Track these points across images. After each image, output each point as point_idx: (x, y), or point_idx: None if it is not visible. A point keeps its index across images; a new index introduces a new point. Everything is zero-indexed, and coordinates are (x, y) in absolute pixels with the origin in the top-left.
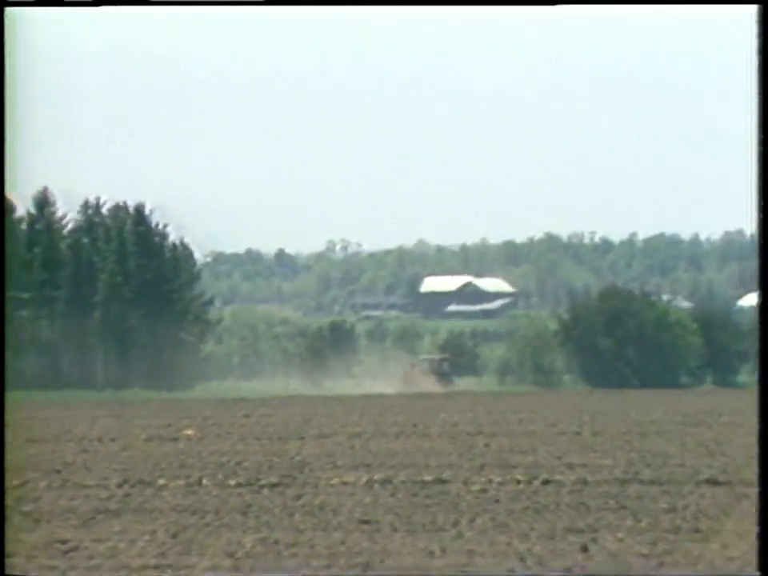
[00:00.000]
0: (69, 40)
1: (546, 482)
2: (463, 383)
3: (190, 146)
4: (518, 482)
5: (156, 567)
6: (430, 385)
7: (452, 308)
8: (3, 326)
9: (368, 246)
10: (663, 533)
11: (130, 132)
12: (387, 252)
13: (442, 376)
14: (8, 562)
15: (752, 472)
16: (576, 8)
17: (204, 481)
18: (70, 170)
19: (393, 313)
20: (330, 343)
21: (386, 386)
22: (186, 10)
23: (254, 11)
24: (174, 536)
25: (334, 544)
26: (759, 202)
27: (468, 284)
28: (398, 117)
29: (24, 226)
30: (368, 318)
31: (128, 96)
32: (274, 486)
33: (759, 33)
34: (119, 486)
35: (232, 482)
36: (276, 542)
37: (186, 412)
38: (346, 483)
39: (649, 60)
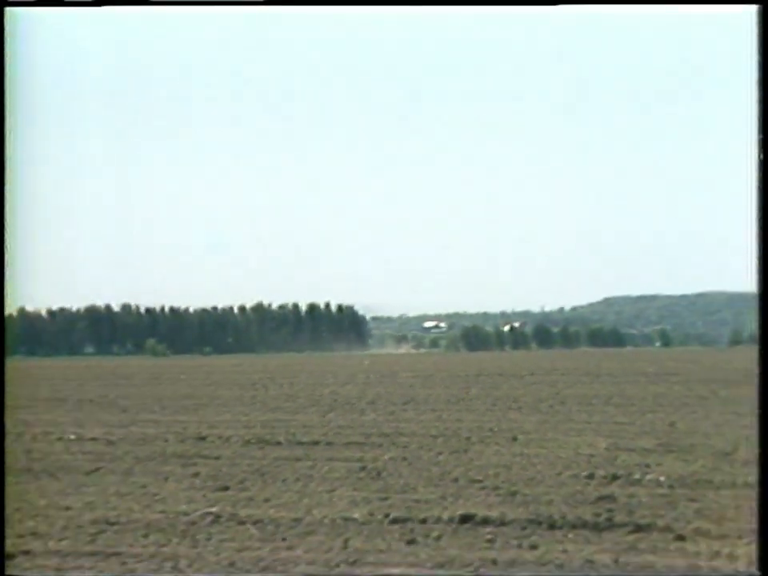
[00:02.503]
0: (69, 40)
1: (459, 377)
2: (433, 351)
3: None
4: (451, 377)
5: (357, 397)
6: (413, 350)
7: (433, 331)
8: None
9: (412, 314)
10: (489, 389)
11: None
12: (418, 316)
13: (416, 349)
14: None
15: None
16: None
17: (371, 376)
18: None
19: (419, 333)
20: (402, 340)
21: (412, 351)
22: (186, 10)
23: (256, 12)
24: (361, 390)
25: (405, 392)
26: (759, 202)
27: (437, 324)
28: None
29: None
30: (414, 335)
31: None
32: (386, 376)
33: (759, 33)
34: (344, 377)
35: (379, 376)
36: (391, 393)
37: (364, 357)
38: (407, 377)
39: (644, 62)
